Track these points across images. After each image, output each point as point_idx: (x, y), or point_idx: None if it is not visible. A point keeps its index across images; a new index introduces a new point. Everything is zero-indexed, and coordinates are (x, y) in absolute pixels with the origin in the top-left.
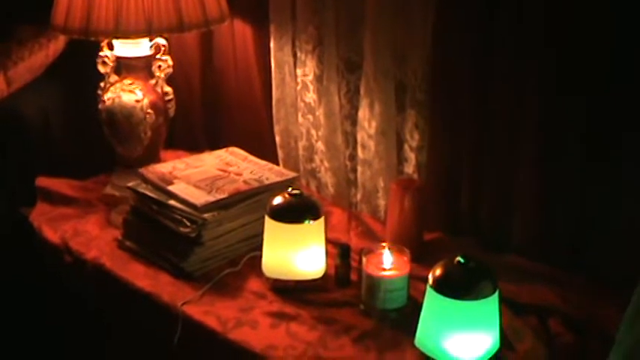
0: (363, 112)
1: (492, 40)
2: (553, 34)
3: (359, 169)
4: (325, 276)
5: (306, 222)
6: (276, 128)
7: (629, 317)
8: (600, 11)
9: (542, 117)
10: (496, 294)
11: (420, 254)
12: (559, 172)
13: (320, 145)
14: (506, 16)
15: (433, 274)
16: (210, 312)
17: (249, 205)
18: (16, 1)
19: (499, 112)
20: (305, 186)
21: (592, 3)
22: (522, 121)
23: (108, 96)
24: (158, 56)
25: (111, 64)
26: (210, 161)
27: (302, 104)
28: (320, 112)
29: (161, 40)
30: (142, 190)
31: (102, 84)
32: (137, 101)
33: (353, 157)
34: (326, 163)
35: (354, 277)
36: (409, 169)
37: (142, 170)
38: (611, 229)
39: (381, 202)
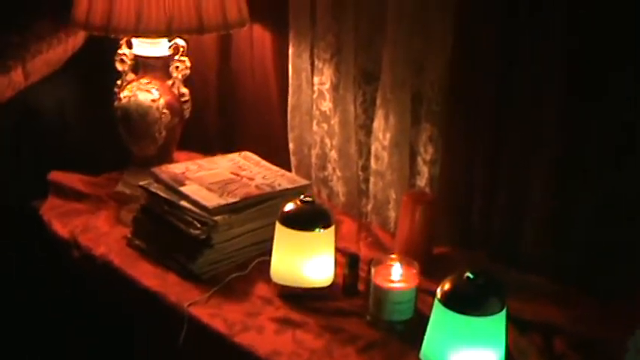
0: (378, 123)
1: (511, 54)
2: (574, 49)
3: (371, 179)
4: (333, 285)
5: (317, 230)
6: (290, 135)
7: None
8: (617, 25)
9: (559, 133)
10: (504, 311)
11: (429, 268)
12: (574, 190)
13: (333, 154)
14: (527, 29)
15: (442, 289)
16: (216, 315)
17: (260, 210)
18: None
19: (514, 127)
20: (316, 194)
21: (612, 15)
22: (538, 137)
23: (124, 94)
24: (176, 57)
25: (129, 63)
26: (223, 164)
27: (317, 112)
28: (335, 121)
29: (180, 41)
30: (154, 190)
31: (119, 82)
32: (153, 101)
33: (366, 167)
34: (338, 172)
35: (361, 287)
36: (421, 182)
37: (155, 170)
38: (621, 249)
39: (392, 214)
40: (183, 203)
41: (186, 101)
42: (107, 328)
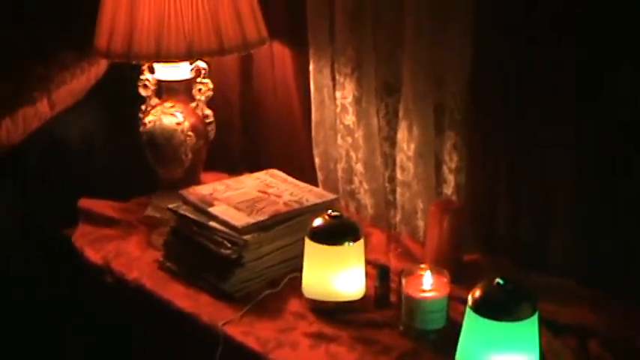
0: (401, 134)
1: (531, 62)
2: (594, 57)
3: (398, 190)
4: (365, 297)
5: (346, 244)
6: (316, 150)
7: None
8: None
9: (582, 139)
10: (535, 315)
11: (459, 275)
12: (599, 194)
13: (359, 167)
14: (545, 39)
15: (472, 296)
16: (250, 333)
17: (289, 227)
18: (59, 27)
19: (538, 133)
20: (344, 207)
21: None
22: (562, 143)
23: (149, 119)
24: (199, 79)
25: (152, 87)
26: (250, 183)
27: (341, 126)
28: (359, 134)
29: (201, 64)
30: (183, 212)
31: (143, 107)
32: (178, 124)
33: (392, 178)
34: (365, 185)
35: (393, 298)
36: (448, 190)
37: (183, 192)
38: None
39: (420, 224)
40: (213, 224)
41: (210, 123)
42: (104, 326)
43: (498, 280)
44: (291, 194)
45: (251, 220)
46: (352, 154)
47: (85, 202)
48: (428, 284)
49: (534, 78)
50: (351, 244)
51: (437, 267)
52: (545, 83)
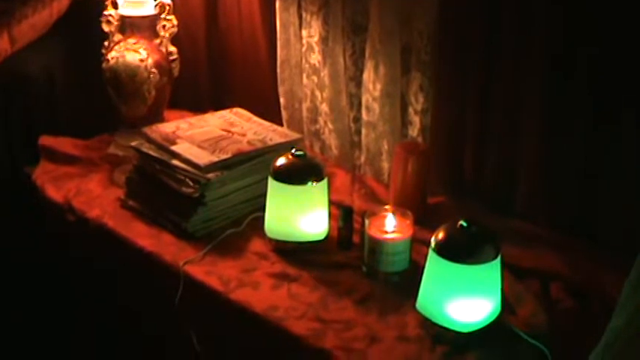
0: (367, 74)
1: (499, 3)
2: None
3: (363, 131)
4: (328, 238)
5: (310, 183)
6: (281, 89)
7: (632, 282)
8: None
9: (549, 81)
10: (498, 259)
11: (424, 218)
12: (564, 137)
13: (324, 107)
14: None
15: (435, 238)
16: (212, 272)
17: (252, 166)
18: None
19: (505, 76)
20: (309, 147)
21: None
22: (528, 86)
23: (112, 55)
24: (163, 15)
25: (115, 23)
26: (214, 121)
27: (307, 65)
28: (325, 74)
29: (166, 0)
30: (146, 150)
31: (106, 43)
32: (141, 60)
33: (357, 119)
34: (330, 125)
35: (356, 239)
36: (413, 132)
37: (146, 130)
38: (615, 195)
39: (385, 165)
40: (175, 162)
41: (174, 60)
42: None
43: (462, 222)
44: (255, 133)
45: (214, 158)
46: (317, 93)
47: (46, 140)
48: (391, 226)
49: (505, 20)
50: (314, 184)
51: (400, 209)
52: (515, 23)
